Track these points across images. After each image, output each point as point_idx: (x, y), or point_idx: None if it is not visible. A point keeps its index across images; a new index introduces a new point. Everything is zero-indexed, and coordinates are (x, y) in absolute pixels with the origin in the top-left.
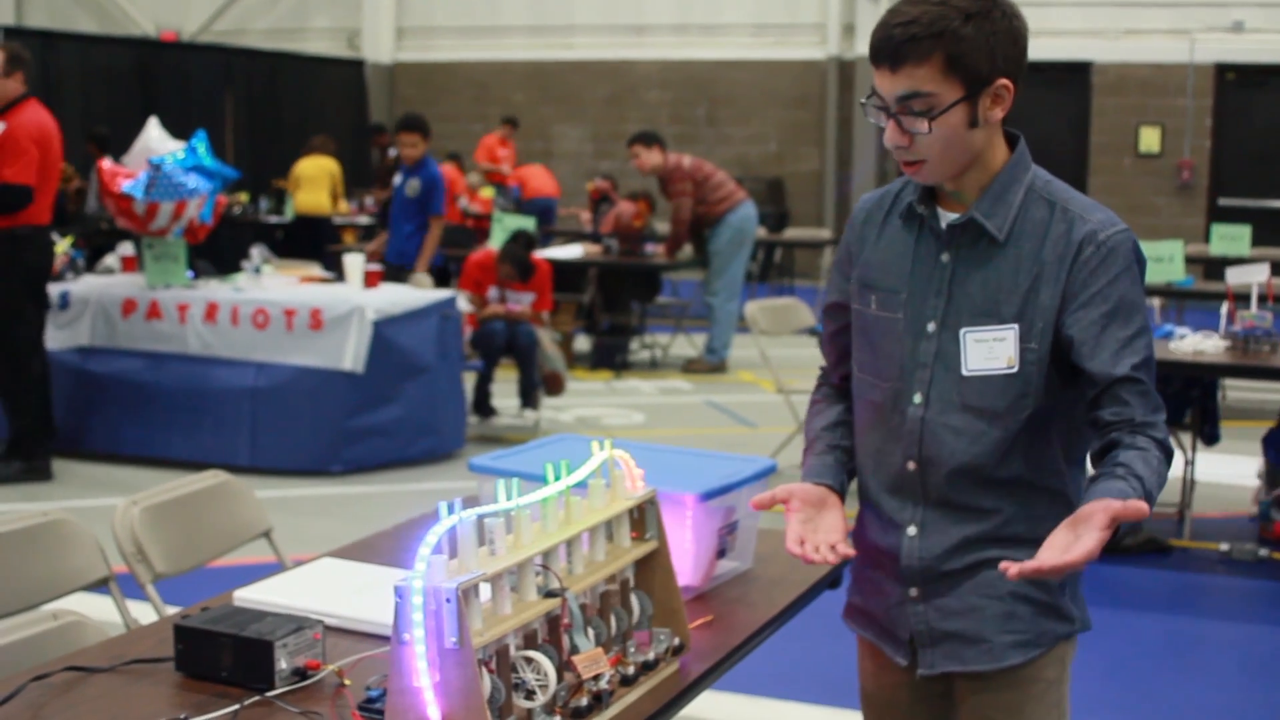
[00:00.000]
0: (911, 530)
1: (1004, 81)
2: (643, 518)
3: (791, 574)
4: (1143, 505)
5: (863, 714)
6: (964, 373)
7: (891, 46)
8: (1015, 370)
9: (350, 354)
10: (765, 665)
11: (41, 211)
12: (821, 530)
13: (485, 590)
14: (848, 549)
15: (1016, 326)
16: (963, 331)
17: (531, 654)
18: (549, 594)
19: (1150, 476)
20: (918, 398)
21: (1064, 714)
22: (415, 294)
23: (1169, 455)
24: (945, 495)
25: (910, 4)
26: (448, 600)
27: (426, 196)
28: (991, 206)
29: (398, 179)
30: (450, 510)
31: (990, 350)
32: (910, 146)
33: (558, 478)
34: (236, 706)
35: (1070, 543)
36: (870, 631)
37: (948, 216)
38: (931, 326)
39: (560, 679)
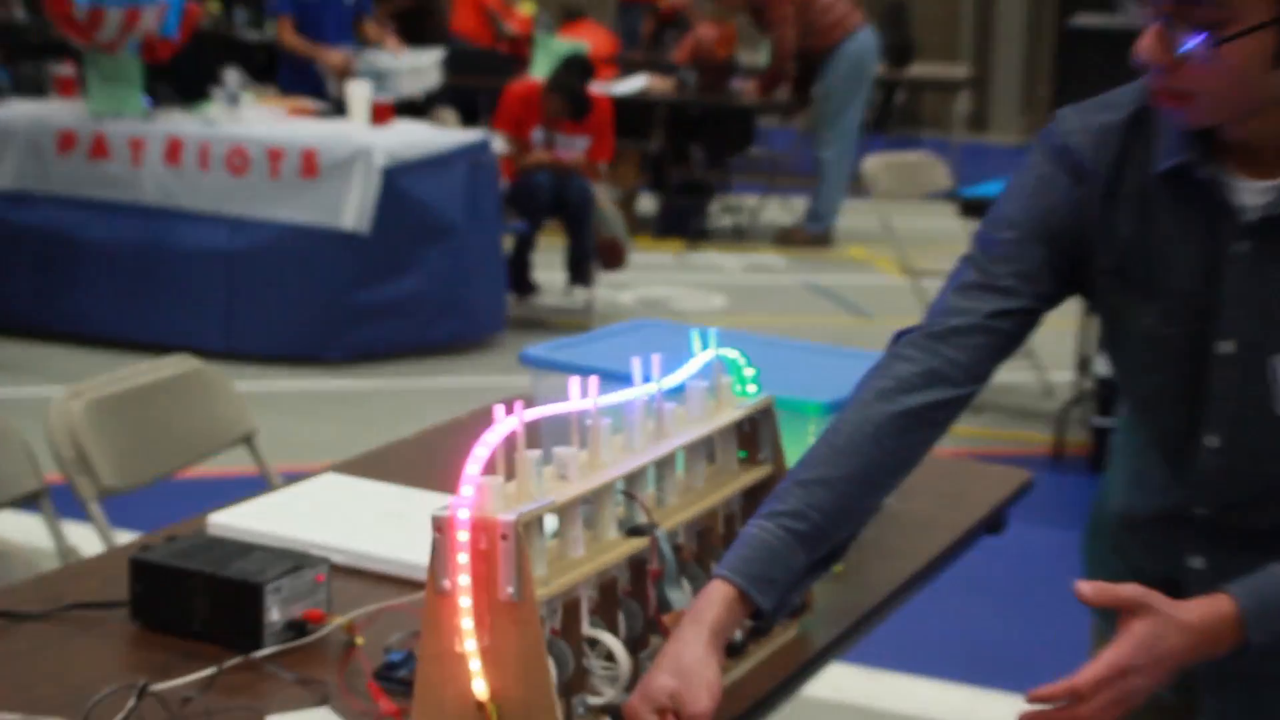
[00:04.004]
0: (1197, 562)
1: None
2: (755, 433)
3: (943, 513)
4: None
5: None
6: None
7: None
8: None
9: (353, 209)
10: (898, 631)
11: None
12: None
13: (551, 524)
14: None
15: None
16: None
17: (598, 634)
18: (634, 531)
19: None
20: (1213, 440)
21: None
22: (438, 135)
23: None
24: (1249, 533)
25: None
26: (504, 537)
27: None
28: None
29: None
30: (507, 414)
31: None
32: (1172, 70)
33: (647, 377)
34: (213, 670)
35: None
36: None
37: (1248, 189)
38: (1226, 347)
39: (644, 645)
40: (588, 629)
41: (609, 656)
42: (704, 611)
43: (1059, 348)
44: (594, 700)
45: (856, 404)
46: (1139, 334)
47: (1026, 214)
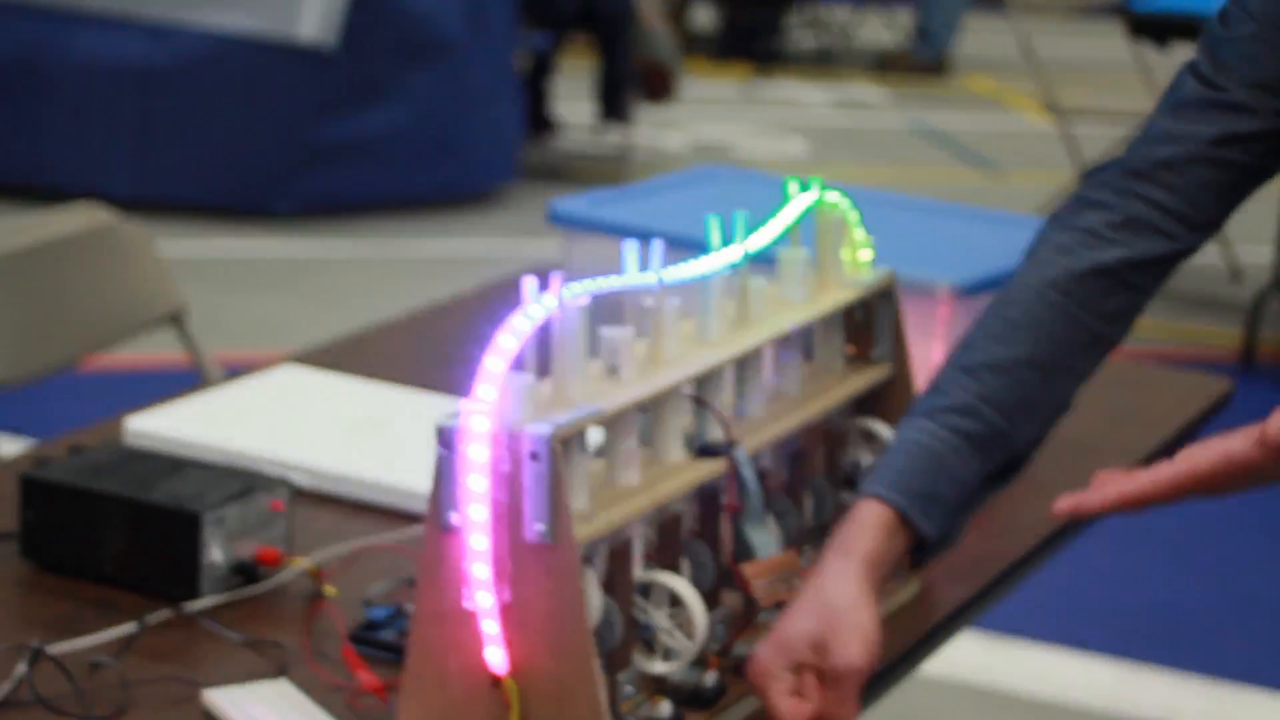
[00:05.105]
0: None
1: None
2: (869, 322)
3: (1114, 434)
4: None
5: None
6: None
7: None
8: None
9: (313, 16)
10: (1032, 590)
11: None
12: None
13: (596, 439)
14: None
15: None
16: None
17: (665, 578)
18: (705, 451)
19: None
20: None
21: None
22: None
23: None
24: None
25: None
26: (534, 456)
27: None
28: None
29: None
30: (541, 289)
31: None
32: None
33: (726, 241)
34: (132, 627)
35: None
36: None
37: None
38: None
39: (717, 604)
40: (647, 575)
41: (676, 617)
42: (854, 540)
43: (1252, 216)
44: (653, 668)
45: (1033, 263)
46: None
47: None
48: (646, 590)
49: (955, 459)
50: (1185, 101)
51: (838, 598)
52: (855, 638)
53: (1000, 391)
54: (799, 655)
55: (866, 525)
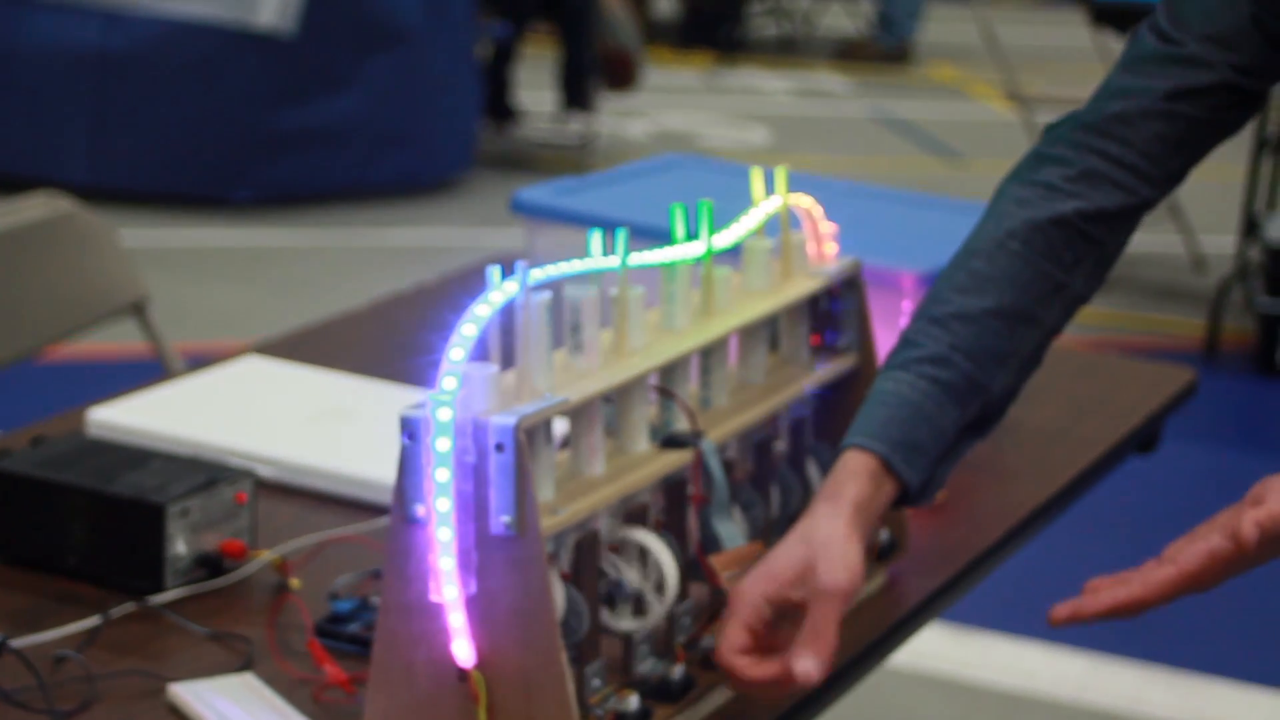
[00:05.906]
0: None
1: None
2: (834, 311)
3: (1078, 424)
4: None
5: None
6: None
7: None
8: None
9: (272, 2)
10: (999, 581)
11: None
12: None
13: (561, 430)
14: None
15: None
16: None
17: (637, 534)
18: (670, 442)
19: None
20: None
21: None
22: None
23: None
24: None
25: None
26: (499, 447)
27: None
28: None
29: None
30: (504, 276)
31: None
32: None
33: (691, 233)
34: (95, 620)
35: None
36: None
37: None
38: None
39: (684, 595)
40: (622, 534)
41: (649, 570)
42: (842, 485)
43: (1216, 204)
44: (621, 624)
45: (993, 217)
46: None
47: None
48: (618, 549)
49: (933, 408)
50: (1141, 56)
51: (827, 534)
52: (841, 564)
53: (970, 340)
54: (782, 582)
55: (854, 472)
